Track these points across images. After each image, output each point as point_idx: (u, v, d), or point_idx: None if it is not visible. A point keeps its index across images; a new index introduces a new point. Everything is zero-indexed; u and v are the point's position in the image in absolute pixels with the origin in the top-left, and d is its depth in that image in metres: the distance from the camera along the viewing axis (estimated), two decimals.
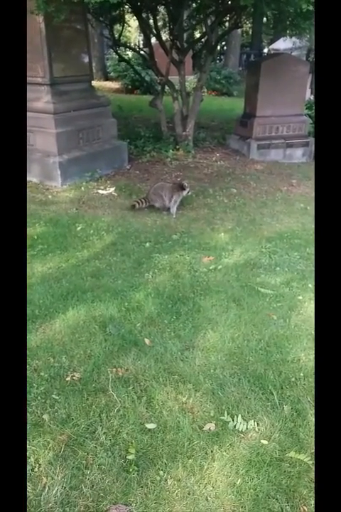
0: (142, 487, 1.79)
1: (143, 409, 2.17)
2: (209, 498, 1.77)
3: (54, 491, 1.75)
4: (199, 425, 2.10)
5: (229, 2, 6.47)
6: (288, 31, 7.41)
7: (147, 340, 2.67)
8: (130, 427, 2.06)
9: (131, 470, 1.85)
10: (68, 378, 2.32)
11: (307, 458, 1.92)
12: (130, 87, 13.93)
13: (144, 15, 7.71)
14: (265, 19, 9.73)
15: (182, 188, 4.81)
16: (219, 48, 21.20)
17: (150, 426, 2.07)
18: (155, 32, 7.37)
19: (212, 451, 1.97)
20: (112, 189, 5.37)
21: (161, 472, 1.86)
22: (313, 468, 1.91)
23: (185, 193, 4.83)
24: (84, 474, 1.83)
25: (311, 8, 4.14)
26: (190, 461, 1.92)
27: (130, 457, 1.90)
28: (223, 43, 20.21)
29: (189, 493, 1.78)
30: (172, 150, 6.92)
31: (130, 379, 2.36)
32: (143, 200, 4.85)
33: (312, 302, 3.19)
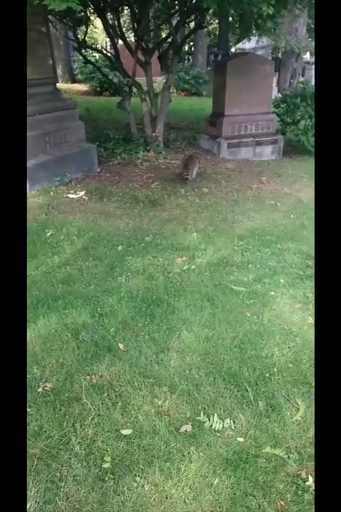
0: (119, 495, 1.76)
1: (119, 415, 2.14)
2: (186, 501, 1.75)
3: (27, 507, 1.70)
4: (175, 427, 2.09)
5: (193, 1, 6.49)
6: (253, 31, 7.54)
7: (121, 345, 2.64)
8: (105, 434, 2.03)
9: (107, 479, 1.81)
10: (40, 389, 2.26)
11: (282, 452, 1.94)
12: (98, 89, 13.82)
13: (109, 16, 7.67)
14: (231, 19, 9.83)
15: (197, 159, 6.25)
16: (186, 48, 21.34)
17: (126, 432, 2.04)
18: (119, 33, 7.33)
19: (188, 453, 1.96)
20: (82, 193, 5.30)
21: (138, 478, 1.83)
22: (289, 461, 1.92)
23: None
24: (59, 487, 1.78)
25: (271, 11, 4.19)
26: (167, 464, 1.90)
27: (106, 465, 1.86)
28: (191, 43, 20.32)
29: (166, 497, 1.76)
30: (143, 151, 6.89)
31: (104, 386, 2.32)
32: (185, 169, 5.89)
33: (285, 297, 3.23)
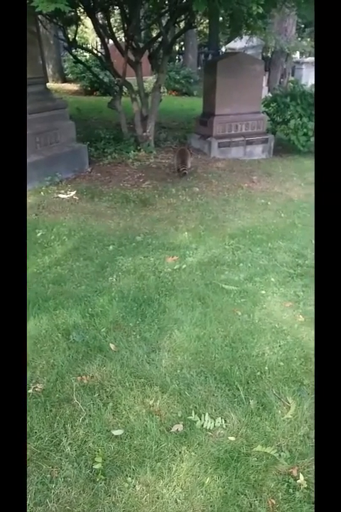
0: (110, 496, 1.76)
1: (110, 415, 2.13)
2: (178, 501, 1.75)
3: None
4: (166, 427, 2.08)
5: (183, 2, 6.49)
6: (243, 31, 7.56)
7: (112, 345, 2.63)
8: (96, 435, 2.02)
9: (97, 479, 1.81)
10: (30, 390, 2.25)
11: (273, 450, 1.94)
12: (89, 88, 13.77)
13: (99, 15, 7.64)
14: (221, 18, 9.85)
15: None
16: (177, 48, 21.34)
17: (117, 432, 2.04)
18: (109, 33, 7.30)
19: (180, 453, 1.95)
20: (73, 193, 5.28)
21: (129, 479, 1.83)
22: (280, 460, 1.93)
23: None
24: (49, 488, 1.77)
25: (261, 10, 4.20)
26: (158, 464, 1.90)
27: (97, 466, 1.86)
28: (181, 42, 20.33)
29: (158, 498, 1.76)
30: (134, 151, 6.88)
31: (95, 386, 2.31)
32: (182, 164, 6.04)
33: (275, 296, 3.24)
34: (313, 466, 1.91)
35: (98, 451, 1.93)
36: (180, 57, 20.92)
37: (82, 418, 2.10)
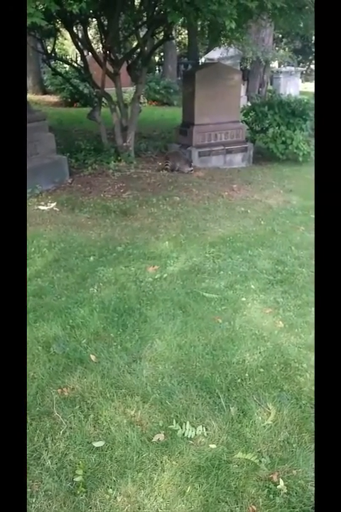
0: (91, 508, 1.75)
1: (91, 427, 2.12)
2: (159, 510, 1.75)
3: None
4: (148, 437, 2.08)
5: (159, 14, 6.56)
6: (222, 41, 7.69)
7: (93, 357, 2.62)
8: (77, 447, 2.01)
9: (78, 492, 1.79)
10: None
11: (254, 457, 1.96)
12: (69, 100, 13.75)
13: (79, 27, 7.67)
14: (199, 29, 9.99)
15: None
16: (157, 59, 21.51)
17: (98, 444, 2.03)
18: (87, 45, 7.34)
19: (161, 462, 1.96)
20: (53, 204, 5.26)
21: (110, 490, 1.82)
22: (261, 466, 1.95)
23: None
24: (29, 503, 1.75)
25: (233, 25, 4.28)
26: (139, 474, 1.89)
27: (77, 479, 1.84)
28: (161, 53, 20.52)
29: (139, 508, 1.76)
30: (114, 161, 6.89)
31: (76, 398, 2.30)
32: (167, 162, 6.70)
33: (256, 303, 3.28)
34: (293, 471, 1.94)
35: (79, 464, 1.91)
36: (160, 67, 21.08)
37: (62, 431, 2.09)
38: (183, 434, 2.09)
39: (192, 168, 6.82)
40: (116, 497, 1.79)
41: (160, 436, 2.08)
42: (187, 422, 2.15)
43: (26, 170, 4.45)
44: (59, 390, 2.34)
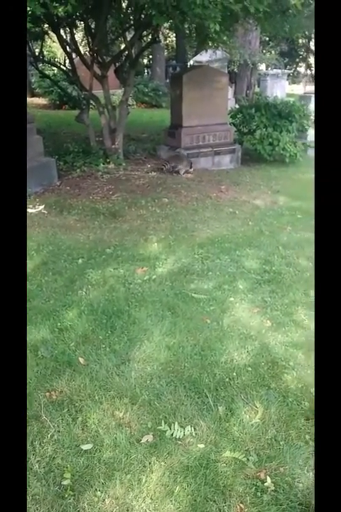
0: (79, 511, 1.74)
1: (79, 430, 2.12)
2: (147, 511, 1.75)
3: None
4: (136, 439, 2.09)
5: (144, 18, 6.58)
6: (209, 43, 7.72)
7: (81, 359, 2.62)
8: (65, 451, 2.00)
9: (66, 495, 1.79)
10: None
11: (241, 455, 1.97)
12: (58, 102, 13.72)
13: (66, 30, 7.65)
14: (187, 32, 10.03)
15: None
16: (145, 61, 21.54)
17: (86, 447, 2.02)
18: (74, 48, 7.33)
19: (150, 463, 1.96)
20: (41, 207, 5.24)
21: (98, 493, 1.82)
22: (248, 464, 1.96)
23: None
24: None
25: (218, 27, 4.32)
26: (128, 476, 1.89)
27: (65, 482, 1.84)
28: (150, 56, 20.55)
29: (127, 510, 1.76)
30: (103, 164, 6.89)
31: (64, 401, 2.29)
32: (166, 163, 6.76)
33: (244, 302, 3.30)
34: (280, 469, 1.95)
35: (67, 467, 1.91)
36: (148, 70, 21.12)
37: (50, 434, 2.08)
38: (172, 435, 2.10)
39: (192, 168, 6.90)
40: (104, 499, 1.79)
41: (148, 438, 2.09)
42: (176, 423, 2.16)
43: (26, 172, 4.46)
44: (47, 394, 2.33)
